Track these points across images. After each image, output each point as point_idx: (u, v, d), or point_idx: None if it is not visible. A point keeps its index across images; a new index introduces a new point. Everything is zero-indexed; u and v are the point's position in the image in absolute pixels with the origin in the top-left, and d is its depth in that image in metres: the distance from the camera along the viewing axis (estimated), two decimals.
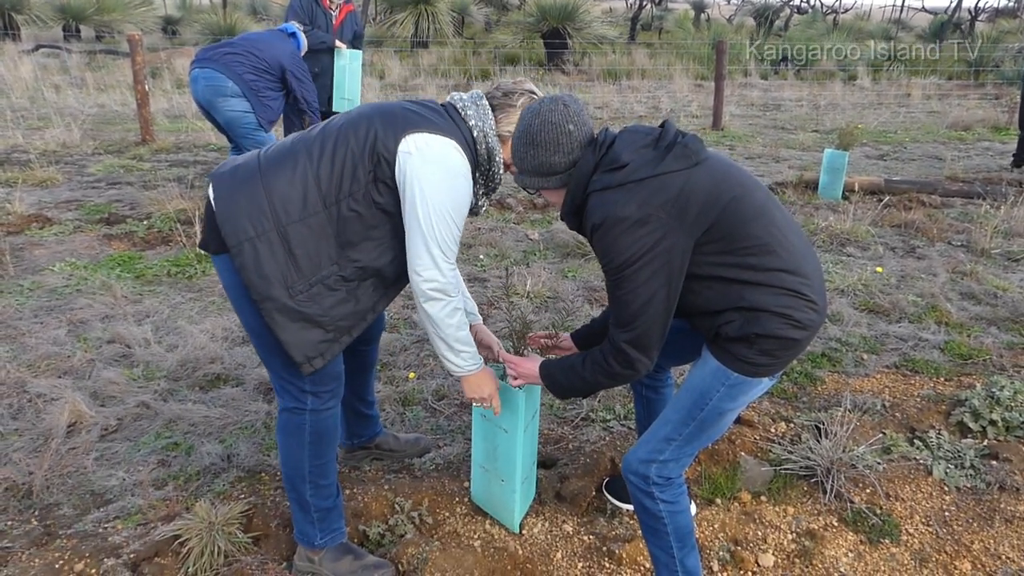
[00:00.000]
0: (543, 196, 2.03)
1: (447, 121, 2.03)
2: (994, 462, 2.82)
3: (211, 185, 2.01)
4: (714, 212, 1.77)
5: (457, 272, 2.42)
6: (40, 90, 10.61)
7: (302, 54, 5.54)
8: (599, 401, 3.23)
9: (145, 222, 5.45)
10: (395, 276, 2.09)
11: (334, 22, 6.24)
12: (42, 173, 6.56)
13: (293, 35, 5.55)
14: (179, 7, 22.93)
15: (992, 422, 3.00)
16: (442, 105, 2.11)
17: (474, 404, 2.32)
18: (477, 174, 2.12)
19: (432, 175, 1.93)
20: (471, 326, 2.41)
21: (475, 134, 2.06)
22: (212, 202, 1.98)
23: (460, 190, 1.99)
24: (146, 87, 8.05)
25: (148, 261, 4.80)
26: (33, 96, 10.45)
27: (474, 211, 2.20)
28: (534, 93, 2.13)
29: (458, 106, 2.09)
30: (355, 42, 6.46)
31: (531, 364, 2.15)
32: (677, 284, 1.80)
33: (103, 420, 3.03)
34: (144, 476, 2.68)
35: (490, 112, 2.09)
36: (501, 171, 2.14)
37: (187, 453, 2.86)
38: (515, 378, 2.21)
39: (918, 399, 3.27)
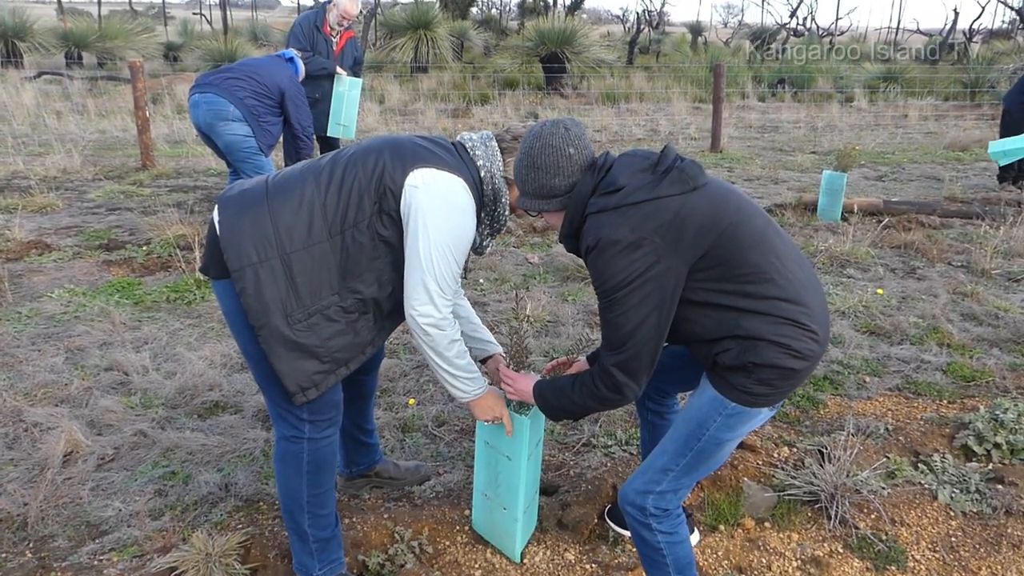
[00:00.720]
0: (544, 219, 2.03)
1: (456, 159, 2.04)
2: (1000, 486, 2.79)
3: (216, 208, 2.01)
4: (710, 238, 1.77)
5: (468, 304, 2.43)
6: (41, 116, 10.66)
7: (300, 80, 5.58)
8: (600, 426, 3.21)
9: (144, 248, 5.45)
10: (395, 309, 2.08)
11: (335, 48, 6.29)
12: (42, 199, 6.58)
13: (291, 60, 5.60)
14: (180, 33, 23.16)
15: (996, 445, 2.97)
16: (453, 143, 2.11)
17: (478, 429, 2.31)
18: (483, 214, 2.12)
19: (436, 210, 1.93)
20: (490, 356, 2.40)
21: (483, 174, 2.06)
22: (216, 225, 1.98)
23: (463, 227, 1.99)
24: (147, 113, 8.08)
25: (147, 287, 4.79)
26: (34, 122, 10.50)
27: (478, 251, 2.20)
28: None
29: (467, 145, 2.09)
30: (355, 68, 6.50)
31: (526, 382, 2.14)
32: (670, 309, 1.78)
33: (100, 449, 3.00)
34: (140, 506, 2.65)
35: (499, 154, 2.09)
36: (507, 212, 2.14)
37: (184, 482, 2.83)
38: (512, 393, 2.19)
39: (921, 422, 3.25)
